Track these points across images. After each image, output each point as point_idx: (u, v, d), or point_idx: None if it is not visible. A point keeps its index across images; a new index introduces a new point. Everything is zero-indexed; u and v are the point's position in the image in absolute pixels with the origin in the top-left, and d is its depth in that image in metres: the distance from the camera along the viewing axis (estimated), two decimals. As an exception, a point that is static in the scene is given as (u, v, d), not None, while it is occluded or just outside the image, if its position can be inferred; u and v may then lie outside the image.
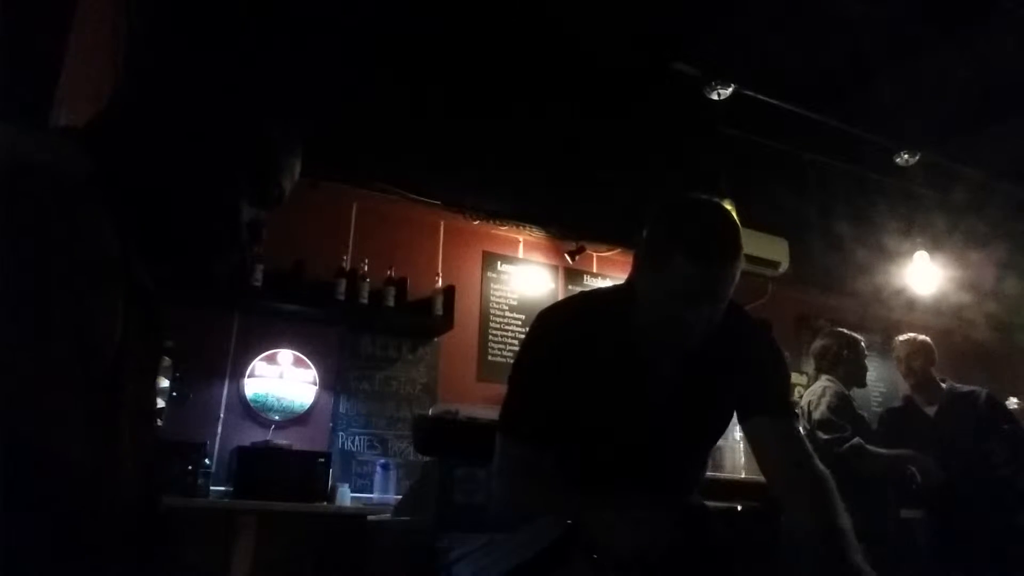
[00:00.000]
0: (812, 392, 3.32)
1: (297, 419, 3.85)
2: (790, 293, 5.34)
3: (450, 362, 4.33)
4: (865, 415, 3.51)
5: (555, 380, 1.38)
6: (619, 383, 1.40)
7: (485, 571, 0.99)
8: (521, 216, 4.66)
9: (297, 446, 3.56)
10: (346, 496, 3.48)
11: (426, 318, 4.12)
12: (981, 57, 3.36)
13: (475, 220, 4.59)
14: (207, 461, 3.38)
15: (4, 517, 0.62)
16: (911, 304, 5.22)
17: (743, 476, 4.05)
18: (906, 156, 4.08)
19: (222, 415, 3.68)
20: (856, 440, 3.09)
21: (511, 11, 3.07)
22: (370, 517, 3.25)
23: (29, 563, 0.63)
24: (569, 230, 4.77)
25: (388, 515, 3.29)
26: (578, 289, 4.65)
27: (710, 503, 1.67)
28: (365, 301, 3.92)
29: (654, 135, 3.78)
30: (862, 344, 3.44)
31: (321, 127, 3.43)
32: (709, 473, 1.72)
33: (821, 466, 1.40)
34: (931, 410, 3.50)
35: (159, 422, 3.33)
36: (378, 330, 4.15)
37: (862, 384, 3.48)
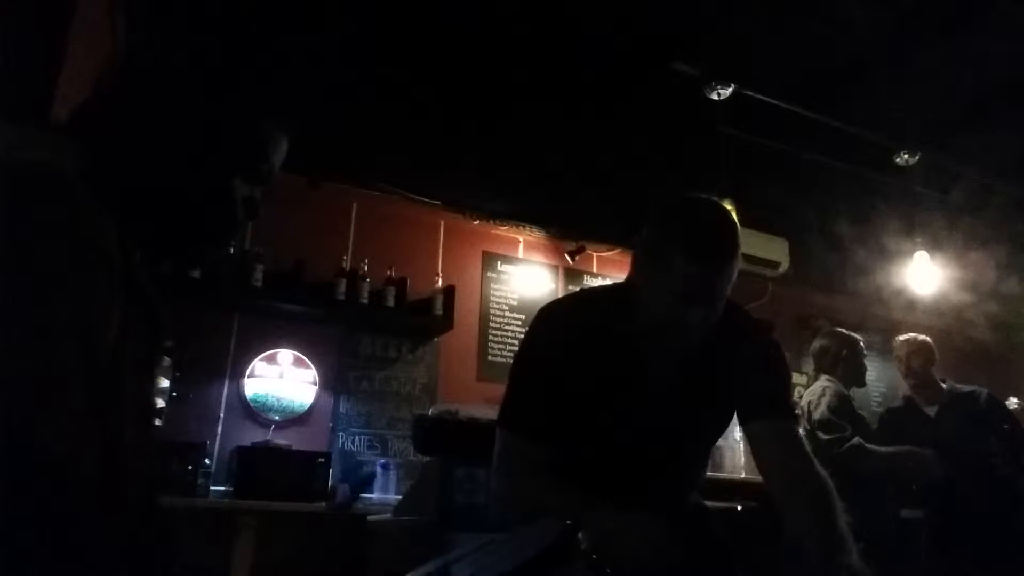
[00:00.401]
0: (812, 392, 3.32)
1: (297, 419, 3.85)
2: (790, 293, 5.34)
3: (450, 362, 4.33)
4: (865, 415, 3.51)
5: (554, 377, 1.38)
6: (618, 381, 1.40)
7: (485, 571, 0.99)
8: (521, 216, 4.66)
9: (297, 446, 3.56)
10: (346, 496, 3.47)
11: (426, 318, 4.12)
12: (981, 57, 3.36)
13: (475, 220, 4.59)
14: (207, 461, 3.38)
15: (3, 517, 0.62)
16: (911, 304, 5.22)
17: (743, 476, 4.05)
18: (906, 156, 4.09)
19: (222, 415, 3.68)
20: (856, 440, 3.09)
21: (511, 11, 3.07)
22: (370, 517, 3.25)
23: (29, 563, 0.63)
24: (569, 230, 4.77)
25: (388, 515, 3.29)
26: (578, 289, 4.65)
27: (710, 503, 1.67)
28: (365, 301, 3.91)
29: (654, 135, 3.78)
30: (861, 344, 3.44)
31: (321, 127, 3.43)
32: (709, 473, 1.72)
33: (821, 469, 1.40)
34: (931, 410, 3.50)
35: (159, 422, 3.33)
36: (378, 330, 4.15)
37: (861, 384, 3.48)
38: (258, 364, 3.81)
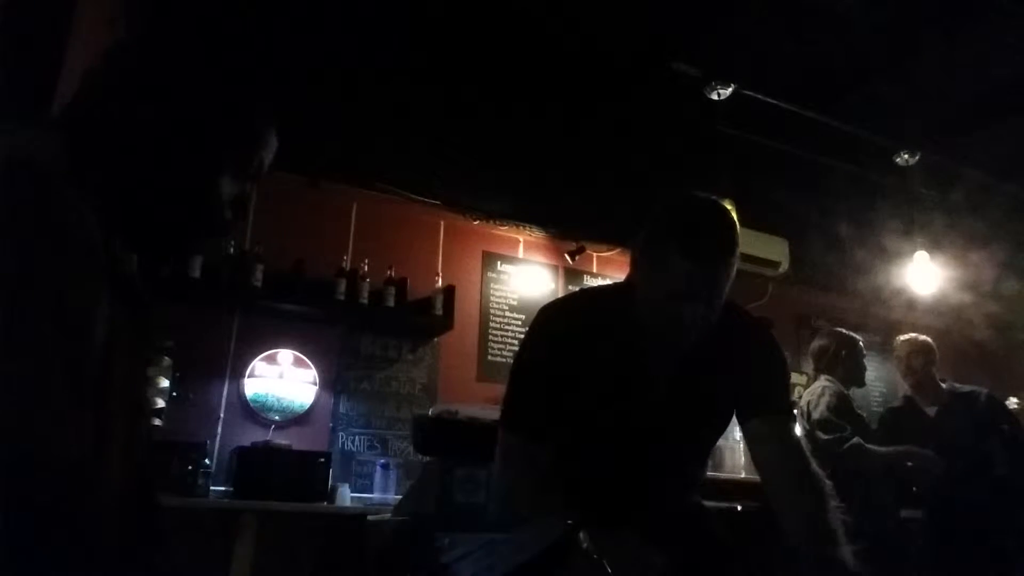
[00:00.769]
0: (811, 392, 3.32)
1: (297, 419, 3.85)
2: (790, 293, 5.34)
3: (450, 362, 4.33)
4: (864, 415, 3.51)
5: (555, 377, 1.39)
6: (618, 381, 1.40)
7: (485, 571, 0.99)
8: (521, 216, 4.66)
9: (297, 446, 3.56)
10: (346, 496, 3.48)
11: (426, 318, 4.12)
12: (981, 57, 3.36)
13: (475, 220, 4.59)
14: (207, 461, 3.38)
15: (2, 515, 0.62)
16: (911, 304, 5.22)
17: (743, 476, 4.05)
18: (906, 156, 4.09)
19: (222, 415, 3.68)
20: (856, 440, 3.09)
21: (511, 11, 3.07)
22: (370, 517, 3.25)
23: (25, 562, 0.63)
24: (569, 230, 4.77)
25: (388, 515, 3.29)
26: (578, 289, 4.65)
27: (710, 503, 1.67)
28: (365, 301, 3.91)
29: (654, 135, 3.78)
30: (861, 344, 3.44)
31: (321, 127, 3.44)
32: (709, 473, 1.72)
33: (816, 468, 1.41)
34: (931, 410, 3.50)
35: (159, 422, 3.33)
36: (378, 330, 4.15)
37: (861, 384, 3.48)
38: (258, 364, 3.80)
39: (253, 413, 3.75)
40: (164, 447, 3.20)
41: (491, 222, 4.64)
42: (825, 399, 3.20)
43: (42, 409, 0.66)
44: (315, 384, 3.92)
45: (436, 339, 4.29)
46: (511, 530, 1.27)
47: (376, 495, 3.72)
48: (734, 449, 4.23)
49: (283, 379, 3.83)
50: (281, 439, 3.61)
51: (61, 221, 0.72)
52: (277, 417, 3.79)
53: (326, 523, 3.32)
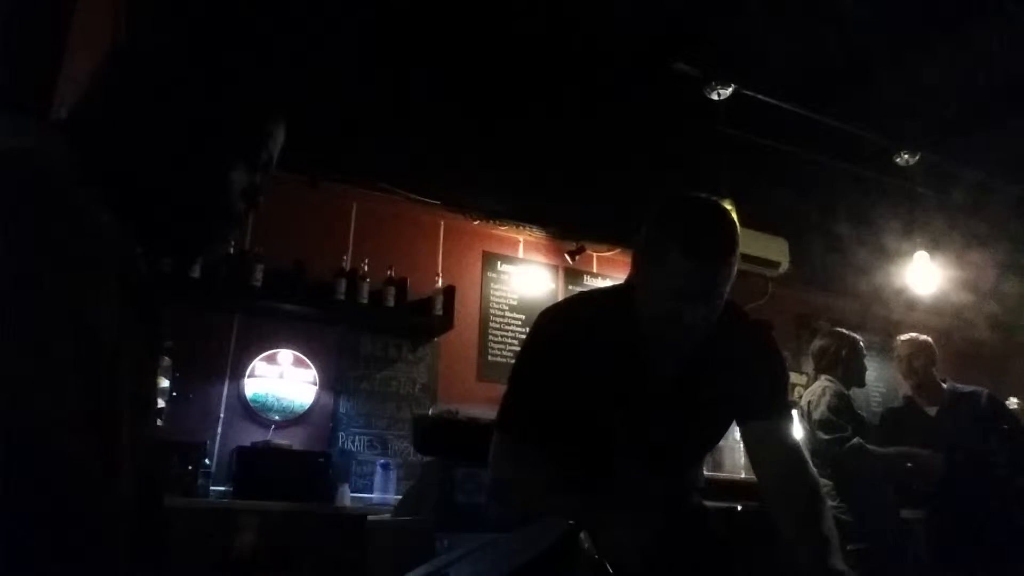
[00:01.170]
0: (812, 392, 3.32)
1: (297, 419, 3.85)
2: (790, 293, 5.34)
3: (450, 362, 4.33)
4: (865, 415, 3.51)
5: (555, 379, 1.39)
6: (618, 382, 1.40)
7: (485, 571, 0.99)
8: (521, 216, 4.66)
9: (297, 446, 3.56)
10: (346, 496, 3.48)
11: (426, 318, 4.12)
12: (981, 57, 3.36)
13: (475, 220, 4.59)
14: (207, 461, 3.38)
15: (7, 518, 0.62)
16: (911, 304, 5.22)
17: (743, 476, 4.05)
18: (906, 156, 4.09)
19: (222, 415, 3.68)
20: (856, 440, 3.09)
21: (512, 11, 3.07)
22: (370, 517, 3.25)
23: (28, 563, 0.63)
24: (569, 230, 4.77)
25: (388, 515, 3.29)
26: (578, 289, 4.65)
27: (710, 503, 1.67)
28: (365, 301, 3.91)
29: (654, 135, 3.78)
30: (861, 344, 3.44)
31: (321, 126, 3.43)
32: (709, 473, 1.72)
33: (812, 471, 1.43)
34: (932, 410, 3.49)
35: (159, 422, 3.33)
36: (378, 330, 4.15)
37: (861, 384, 3.48)
38: (258, 364, 3.81)
39: (253, 413, 3.75)
40: (164, 447, 3.19)
41: (491, 222, 4.64)
42: (826, 399, 3.20)
43: (51, 409, 0.66)
44: (315, 384, 3.92)
45: (436, 339, 4.29)
46: (511, 530, 1.27)
47: (376, 495, 3.72)
48: (734, 449, 4.23)
49: (283, 379, 3.83)
50: (281, 439, 3.61)
51: (68, 221, 0.72)
52: (277, 417, 3.79)
53: (326, 523, 3.31)
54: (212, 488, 3.35)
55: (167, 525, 0.90)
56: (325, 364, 3.98)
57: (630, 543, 1.15)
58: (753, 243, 4.28)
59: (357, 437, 3.96)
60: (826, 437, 3.12)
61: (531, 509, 1.32)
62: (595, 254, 4.94)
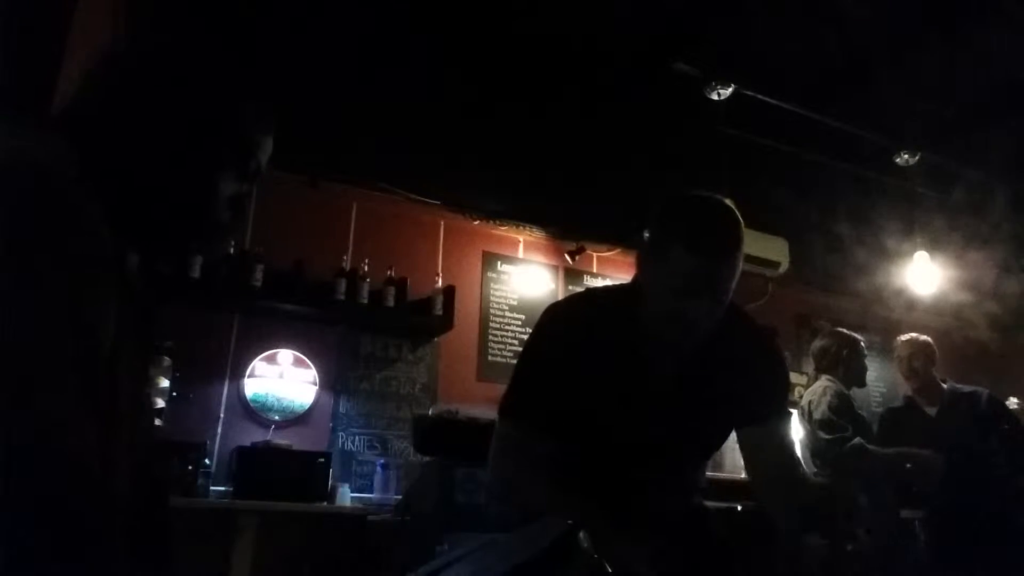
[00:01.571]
0: (812, 392, 3.32)
1: (297, 419, 3.85)
2: (790, 293, 5.34)
3: (450, 362, 4.33)
4: (865, 415, 3.51)
5: (558, 374, 1.38)
6: (620, 381, 1.40)
7: (485, 571, 0.99)
8: (521, 216, 4.66)
9: (297, 446, 3.56)
10: (346, 496, 3.48)
11: (426, 318, 4.12)
12: (981, 57, 3.36)
13: (475, 220, 4.59)
14: (207, 461, 3.38)
15: (7, 516, 0.62)
16: (911, 304, 5.22)
17: (743, 476, 4.04)
18: (906, 156, 4.08)
19: (222, 415, 3.68)
20: (857, 440, 3.09)
21: (511, 11, 3.07)
22: (370, 517, 3.26)
23: (28, 562, 0.63)
24: (569, 230, 4.77)
25: (388, 515, 3.30)
26: (578, 289, 4.65)
27: (710, 503, 1.67)
28: (365, 301, 3.91)
29: (654, 135, 3.78)
30: (862, 344, 3.44)
31: (321, 126, 3.44)
32: (708, 473, 1.72)
33: (806, 474, 1.47)
34: (932, 410, 3.49)
35: (159, 422, 3.33)
36: (378, 330, 4.15)
37: (862, 384, 3.48)
38: (258, 364, 3.81)
39: (253, 413, 3.75)
40: (164, 447, 3.19)
41: (491, 222, 4.64)
42: (826, 399, 3.20)
43: (51, 409, 0.66)
44: (315, 384, 3.92)
45: (436, 339, 4.29)
46: (511, 530, 1.26)
47: (376, 495, 3.72)
48: (734, 449, 4.20)
49: (283, 379, 3.83)
50: (281, 439, 3.61)
51: (67, 221, 0.72)
52: (277, 417, 3.79)
53: (326, 523, 3.32)
54: (212, 488, 3.35)
55: (170, 524, 0.90)
56: (325, 364, 3.98)
57: (632, 557, 1.15)
58: (753, 243, 4.26)
59: (357, 437, 3.96)
60: (827, 437, 3.12)
61: (530, 509, 1.32)
62: (595, 254, 4.94)
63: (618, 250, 4.90)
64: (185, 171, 0.88)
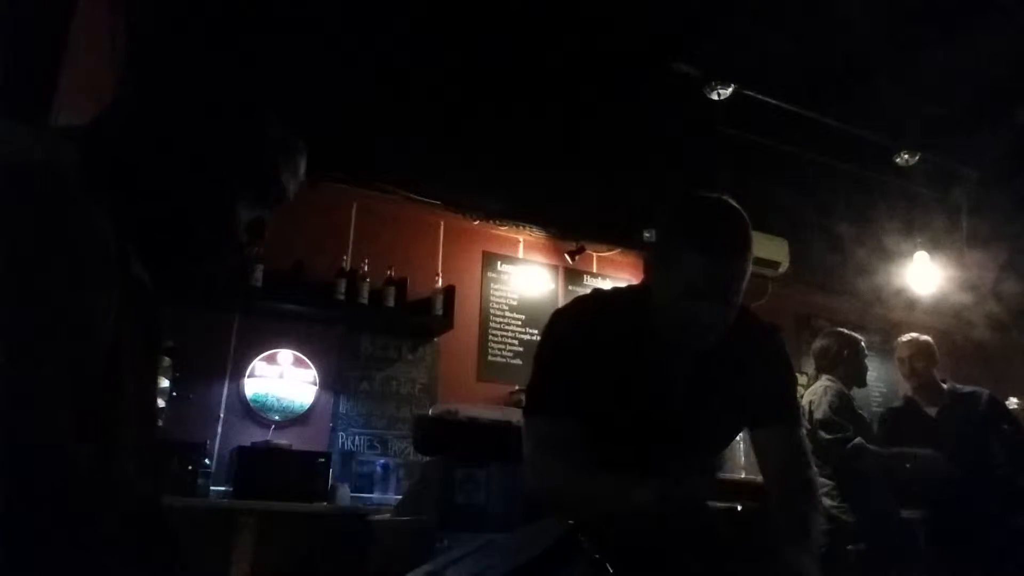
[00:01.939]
0: (813, 392, 3.32)
1: (297, 419, 3.85)
2: (790, 293, 5.34)
3: (450, 362, 4.33)
4: (865, 415, 3.51)
5: (571, 374, 1.38)
6: (634, 382, 1.40)
7: (485, 571, 0.99)
8: (521, 216, 4.66)
9: (297, 446, 3.56)
10: (346, 496, 3.48)
11: (426, 318, 4.12)
12: (981, 57, 3.36)
13: (475, 220, 4.59)
14: (207, 461, 3.38)
15: (6, 517, 0.62)
16: (911, 304, 5.22)
17: (743, 476, 4.05)
18: (906, 156, 4.08)
19: (222, 415, 3.68)
20: (858, 440, 3.09)
21: (511, 11, 3.07)
22: (370, 517, 3.25)
23: (30, 563, 0.63)
24: (569, 230, 4.77)
25: (388, 515, 3.29)
26: (578, 289, 4.66)
27: (710, 503, 1.67)
28: (365, 301, 3.91)
29: (654, 135, 3.78)
30: (862, 344, 3.44)
31: (321, 126, 3.43)
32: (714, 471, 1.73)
33: (814, 473, 1.46)
34: (932, 410, 3.49)
35: (159, 422, 3.33)
36: (378, 330, 4.15)
37: (862, 384, 3.48)
38: (258, 364, 3.81)
39: (253, 413, 3.75)
40: (164, 447, 3.19)
41: (491, 222, 4.64)
42: (827, 399, 3.21)
43: (52, 410, 0.66)
44: (315, 384, 3.92)
45: (436, 339, 4.29)
46: (511, 530, 1.26)
47: (376, 495, 3.72)
48: (734, 449, 4.23)
49: (283, 379, 3.84)
50: (281, 439, 3.61)
51: (72, 222, 0.72)
52: (277, 417, 3.79)
53: (326, 523, 3.32)
54: (212, 488, 3.35)
55: (170, 526, 0.90)
56: (325, 364, 3.98)
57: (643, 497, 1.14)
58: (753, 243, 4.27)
59: (357, 437, 3.96)
60: (827, 437, 3.12)
61: (566, 494, 1.29)
62: (595, 254, 4.94)
63: (618, 250, 4.90)
64: (204, 197, 0.89)
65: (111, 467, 0.75)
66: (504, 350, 4.48)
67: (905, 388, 3.75)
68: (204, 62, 0.93)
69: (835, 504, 3.10)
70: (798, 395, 1.68)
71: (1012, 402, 4.43)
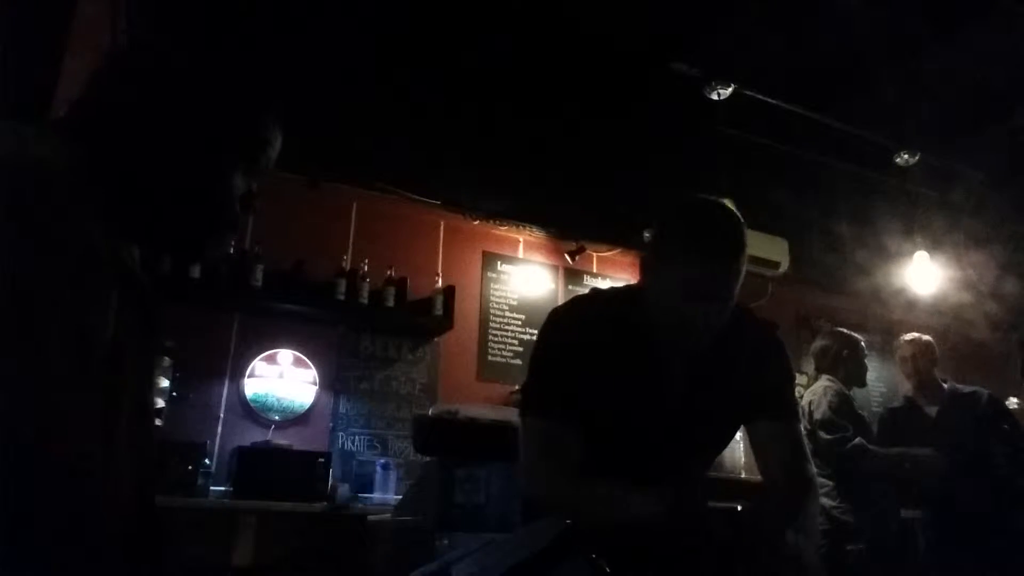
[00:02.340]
0: (813, 392, 3.32)
1: (297, 419, 3.85)
2: (790, 293, 5.34)
3: (450, 362, 4.33)
4: (865, 415, 3.51)
5: (572, 374, 1.38)
6: (631, 382, 1.40)
7: (485, 571, 0.99)
8: (521, 216, 4.66)
9: (297, 446, 3.56)
10: (346, 496, 3.48)
11: (426, 318, 4.12)
12: (981, 57, 3.36)
13: (475, 220, 4.59)
14: (207, 461, 3.38)
15: (6, 517, 0.62)
16: (911, 304, 5.22)
17: (743, 476, 4.05)
18: (906, 156, 4.08)
19: (222, 415, 3.68)
20: (858, 440, 3.09)
21: (511, 11, 3.07)
22: (370, 517, 3.25)
23: (29, 563, 0.63)
24: (569, 230, 4.77)
25: (388, 515, 3.29)
26: (578, 289, 4.66)
27: (710, 503, 1.67)
28: (365, 301, 3.91)
29: (654, 135, 3.78)
30: (862, 344, 3.44)
31: (321, 126, 3.44)
32: (709, 473, 1.73)
33: (810, 471, 1.46)
34: (932, 410, 3.49)
35: (159, 422, 3.33)
36: (378, 330, 4.15)
37: (862, 384, 3.48)
38: (258, 364, 3.81)
39: (253, 413, 3.75)
40: (164, 447, 3.20)
41: (491, 222, 4.64)
42: (827, 399, 3.20)
43: (52, 410, 0.66)
44: (315, 384, 3.92)
45: (436, 339, 4.29)
46: (511, 530, 1.26)
47: (376, 495, 3.72)
48: (734, 449, 4.23)
49: (283, 379, 3.84)
50: (281, 439, 3.61)
51: (64, 219, 0.72)
52: (277, 417, 3.79)
53: (326, 523, 3.32)
54: (212, 488, 3.35)
55: (166, 525, 0.90)
56: (325, 364, 3.98)
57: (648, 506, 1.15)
58: (753, 243, 4.23)
59: (357, 437, 3.96)
60: (827, 437, 3.12)
61: (561, 497, 1.30)
62: (595, 254, 4.94)
63: (618, 250, 4.91)
64: (199, 170, 0.88)
65: (108, 467, 0.75)
66: (504, 350, 4.49)
67: (905, 388, 3.74)
68: (192, 43, 0.92)
69: (835, 504, 3.10)
70: (796, 394, 1.69)
71: (1012, 402, 4.43)
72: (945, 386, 3.53)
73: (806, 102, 3.66)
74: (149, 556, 0.84)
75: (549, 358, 1.43)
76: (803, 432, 1.55)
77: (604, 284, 4.77)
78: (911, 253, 4.74)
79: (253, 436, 3.65)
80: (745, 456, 4.18)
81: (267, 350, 3.84)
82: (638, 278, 1.45)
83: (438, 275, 4.27)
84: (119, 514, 0.77)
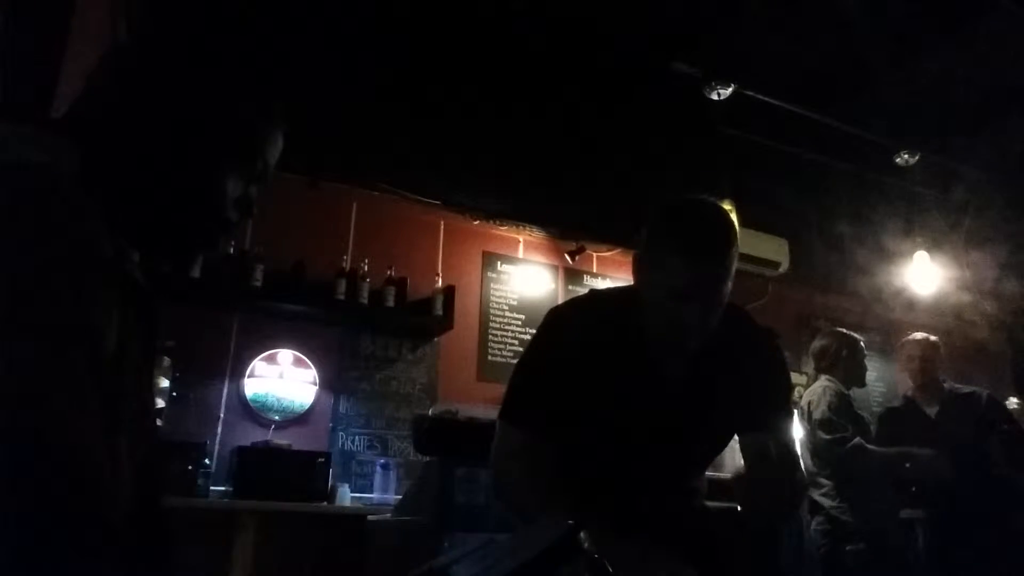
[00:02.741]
0: (812, 392, 3.31)
1: (297, 419, 3.85)
2: (790, 293, 5.34)
3: (450, 362, 4.33)
4: (865, 415, 3.51)
5: (562, 376, 1.38)
6: (624, 383, 1.40)
7: (485, 571, 0.99)
8: (521, 216, 4.66)
9: (297, 446, 3.56)
10: (346, 496, 3.48)
11: (426, 318, 4.12)
12: (981, 57, 3.36)
13: (475, 220, 4.59)
14: (207, 461, 3.38)
15: (9, 518, 0.62)
16: (911, 304, 5.22)
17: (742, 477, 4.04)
18: (906, 156, 4.09)
19: (222, 415, 3.68)
20: (857, 440, 3.09)
21: (511, 11, 3.07)
22: (370, 517, 3.25)
23: (30, 563, 0.63)
24: (569, 230, 4.77)
25: (388, 515, 3.29)
26: (578, 289, 4.66)
27: (710, 503, 1.67)
28: (365, 301, 3.91)
29: (654, 135, 3.78)
30: (862, 344, 3.44)
31: (321, 126, 3.44)
32: (709, 473, 1.73)
33: (800, 476, 1.51)
34: (932, 410, 3.49)
35: (159, 422, 3.33)
36: (378, 330, 4.15)
37: (862, 384, 3.48)
38: (258, 364, 3.80)
39: (253, 413, 3.75)
40: (164, 447, 3.20)
41: (491, 222, 4.64)
42: (826, 399, 3.20)
43: (52, 411, 0.66)
44: (315, 384, 3.92)
45: (436, 339, 4.29)
46: (511, 530, 1.26)
47: (376, 495, 3.72)
48: (734, 449, 4.22)
49: (283, 379, 3.83)
50: (281, 439, 3.61)
51: (66, 221, 0.72)
52: (277, 417, 3.79)
53: (326, 523, 3.31)
54: (212, 488, 3.35)
55: (169, 526, 0.89)
56: (325, 364, 3.98)
57: (639, 547, 1.15)
58: (753, 243, 4.28)
59: (357, 437, 3.96)
60: (826, 437, 3.12)
61: (529, 512, 1.31)
62: (595, 254, 4.94)
63: (618, 250, 4.90)
64: (191, 172, 0.88)
65: (111, 468, 0.75)
66: (504, 350, 4.49)
67: (904, 388, 3.74)
68: (188, 45, 0.92)
69: (835, 504, 3.10)
70: (793, 399, 1.69)
71: (1012, 402, 4.43)
72: (945, 386, 3.53)
73: (806, 102, 3.66)
74: (153, 557, 0.84)
75: (538, 365, 1.44)
76: (795, 442, 1.56)
77: (604, 284, 4.77)
78: (911, 253, 4.74)
79: (253, 436, 3.65)
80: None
81: (267, 350, 3.84)
82: (633, 278, 1.45)
83: (438, 275, 4.27)
84: (120, 515, 0.77)
